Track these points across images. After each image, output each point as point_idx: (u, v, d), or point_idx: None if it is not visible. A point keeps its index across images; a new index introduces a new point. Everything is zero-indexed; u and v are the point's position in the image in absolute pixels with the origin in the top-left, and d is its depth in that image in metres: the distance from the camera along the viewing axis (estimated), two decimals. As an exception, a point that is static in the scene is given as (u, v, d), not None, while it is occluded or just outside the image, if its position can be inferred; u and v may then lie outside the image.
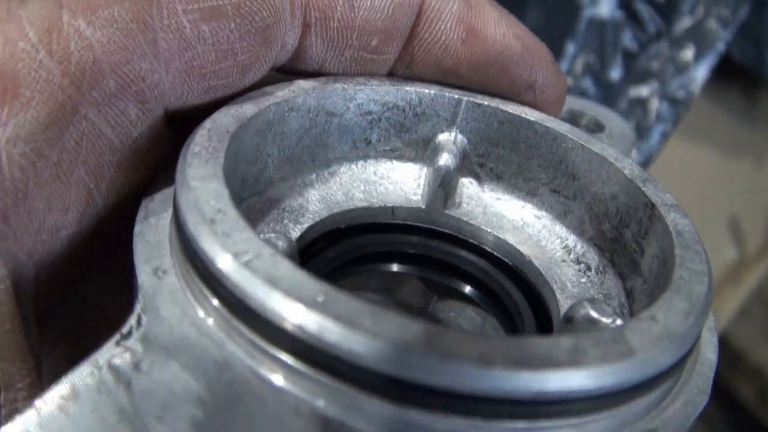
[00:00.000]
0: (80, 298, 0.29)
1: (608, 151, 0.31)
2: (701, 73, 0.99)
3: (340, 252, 0.34)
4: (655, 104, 0.99)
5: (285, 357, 0.20)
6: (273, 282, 0.20)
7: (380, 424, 0.20)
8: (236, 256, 0.21)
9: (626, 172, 0.30)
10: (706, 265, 0.25)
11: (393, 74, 0.34)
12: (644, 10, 0.98)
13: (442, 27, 0.32)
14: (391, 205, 0.34)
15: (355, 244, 0.34)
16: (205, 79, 0.27)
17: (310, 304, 0.19)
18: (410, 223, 0.35)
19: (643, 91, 0.99)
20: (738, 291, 1.51)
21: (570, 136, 0.32)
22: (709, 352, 0.25)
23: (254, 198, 0.31)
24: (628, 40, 0.99)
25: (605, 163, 0.31)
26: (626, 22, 0.99)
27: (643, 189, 0.29)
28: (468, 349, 0.19)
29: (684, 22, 0.99)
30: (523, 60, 0.33)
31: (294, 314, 0.19)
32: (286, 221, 0.31)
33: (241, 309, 0.20)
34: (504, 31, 0.32)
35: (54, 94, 0.23)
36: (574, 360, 0.19)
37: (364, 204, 0.34)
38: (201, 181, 0.23)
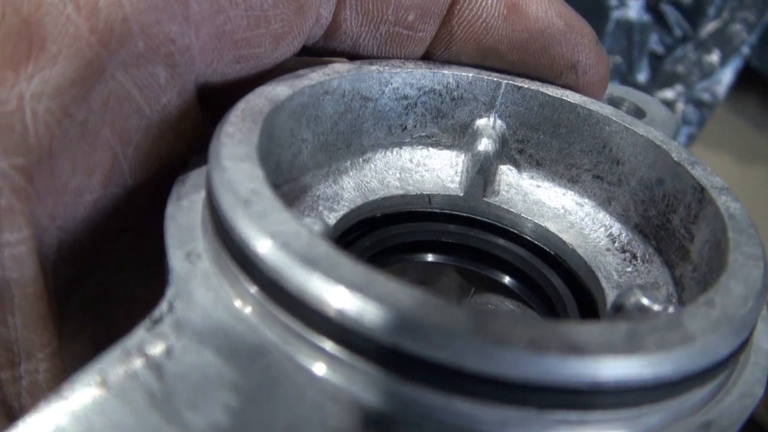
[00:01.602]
0: (104, 277, 0.28)
1: (654, 134, 0.30)
2: (726, 76, 0.99)
3: (376, 241, 0.32)
4: (680, 107, 0.99)
5: (324, 343, 0.19)
6: (312, 263, 0.19)
7: (424, 415, 0.18)
8: (273, 236, 0.19)
9: (673, 155, 0.29)
10: (761, 249, 0.23)
11: (430, 56, 0.33)
12: (671, 13, 0.99)
13: (483, 3, 0.30)
14: (427, 192, 0.33)
15: (391, 233, 0.33)
16: (236, 47, 0.26)
17: (351, 286, 0.18)
18: (448, 211, 0.34)
19: (669, 94, 0.99)
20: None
21: (614, 119, 0.31)
22: (764, 342, 0.24)
23: (288, 185, 0.30)
24: (654, 42, 0.99)
25: (651, 146, 0.30)
26: (653, 25, 0.99)
27: (691, 172, 0.28)
28: (519, 335, 0.17)
29: (710, 26, 0.99)
30: (565, 39, 0.31)
31: (334, 297, 0.18)
32: (320, 209, 0.30)
33: (278, 293, 0.19)
34: (546, 9, 0.31)
35: (81, 50, 0.22)
36: (630, 346, 0.18)
37: (400, 192, 0.33)
38: (234, 161, 0.22)
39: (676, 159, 0.28)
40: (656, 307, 0.24)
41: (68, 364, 0.24)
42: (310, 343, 0.19)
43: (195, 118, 0.27)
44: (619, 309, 0.25)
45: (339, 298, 0.18)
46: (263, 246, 0.19)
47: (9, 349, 0.22)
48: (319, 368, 0.19)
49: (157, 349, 0.19)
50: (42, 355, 0.23)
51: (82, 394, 0.18)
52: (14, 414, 0.23)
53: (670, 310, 0.25)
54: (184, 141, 0.27)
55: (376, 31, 0.30)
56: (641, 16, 0.99)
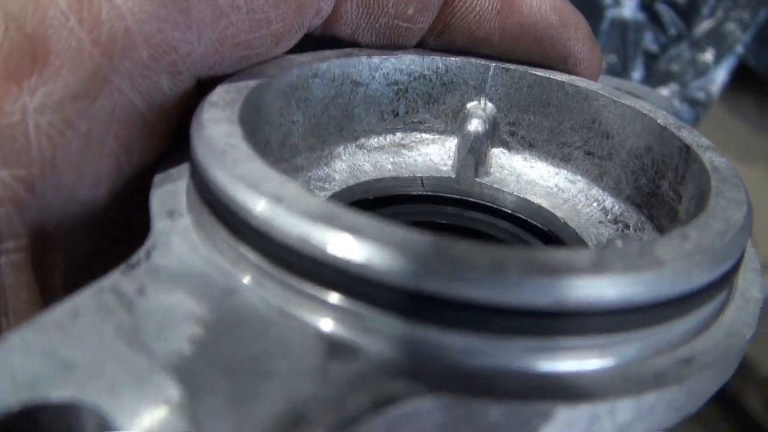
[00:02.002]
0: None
1: (641, 104, 0.30)
2: (720, 75, 0.99)
3: None
4: (675, 106, 0.99)
5: (289, 278, 0.19)
6: (277, 199, 0.19)
7: (389, 342, 0.18)
8: (242, 179, 0.20)
9: (659, 120, 0.29)
10: (745, 195, 0.23)
11: (423, 44, 0.33)
12: (665, 12, 0.99)
13: None
14: (420, 175, 0.34)
15: (383, 215, 0.33)
16: (238, 49, 0.26)
17: (313, 217, 0.18)
18: (441, 193, 0.34)
19: (663, 92, 1.00)
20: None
21: (601, 93, 0.31)
22: (754, 290, 0.24)
23: (279, 165, 0.30)
24: (649, 41, 0.99)
25: (638, 115, 0.30)
26: (648, 24, 0.99)
27: (677, 134, 0.28)
28: (479, 257, 0.17)
29: (704, 25, 1.00)
30: (557, 33, 0.32)
31: (297, 228, 0.18)
32: (312, 187, 0.31)
33: (247, 231, 0.20)
34: (541, 3, 0.31)
35: (84, 63, 0.22)
36: (596, 269, 0.18)
37: (393, 175, 0.33)
38: (215, 123, 0.23)
39: (662, 124, 0.29)
40: None
41: None
42: (278, 280, 0.19)
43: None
44: None
45: (301, 228, 0.18)
46: (235, 189, 0.20)
47: None
48: (286, 302, 0.19)
49: (130, 287, 0.20)
50: None
51: (54, 323, 0.19)
52: None
53: None
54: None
55: (375, 23, 0.31)
56: (636, 14, 0.99)
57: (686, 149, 0.27)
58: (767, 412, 1.52)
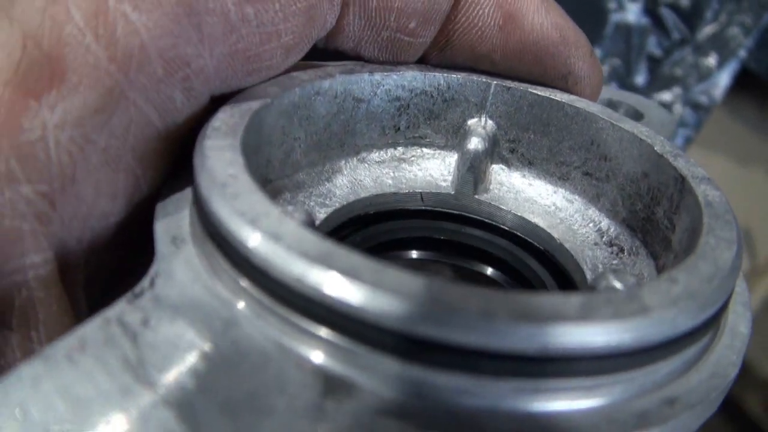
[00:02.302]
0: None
1: (639, 129, 0.30)
2: (723, 79, 0.99)
3: (367, 237, 0.33)
4: (678, 110, 1.00)
5: (287, 313, 0.20)
6: (275, 237, 0.20)
7: (383, 380, 0.19)
8: (242, 215, 0.20)
9: (657, 147, 0.29)
10: (736, 233, 0.23)
11: (425, 59, 0.33)
12: (669, 17, 0.99)
13: (480, 12, 0.31)
14: (420, 191, 0.34)
15: (382, 230, 0.33)
16: (249, 62, 0.27)
17: (310, 257, 0.19)
18: (439, 209, 0.34)
19: (666, 96, 1.00)
20: (748, 302, 1.50)
21: (600, 115, 0.31)
22: (741, 326, 0.24)
23: (281, 181, 0.31)
24: (652, 45, 1.00)
25: (636, 140, 0.30)
26: (651, 28, 1.00)
27: (673, 163, 0.28)
28: (471, 302, 0.18)
29: (707, 29, 1.00)
30: (558, 51, 0.32)
31: (294, 268, 0.19)
32: (312, 204, 0.31)
33: (246, 265, 0.20)
34: (543, 20, 0.31)
35: (101, 79, 0.23)
36: (582, 315, 0.18)
37: (393, 190, 0.33)
38: (217, 150, 0.23)
39: (659, 151, 0.29)
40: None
41: None
42: (277, 314, 0.20)
43: None
44: (591, 291, 0.25)
45: (299, 268, 0.19)
46: (234, 224, 0.20)
47: None
48: (284, 336, 0.20)
49: (134, 318, 0.20)
50: None
51: (61, 354, 0.19)
52: None
53: None
54: None
55: (377, 36, 0.31)
56: (640, 19, 1.00)
57: (681, 180, 0.27)
58: (765, 412, 1.52)
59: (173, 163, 0.27)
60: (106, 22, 0.23)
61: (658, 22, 1.00)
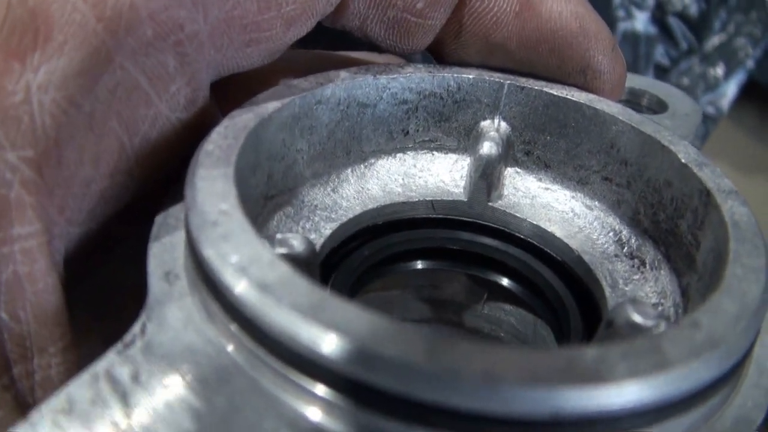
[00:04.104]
0: (111, 272, 0.28)
1: (662, 134, 0.28)
2: (731, 89, 0.99)
3: (377, 249, 0.31)
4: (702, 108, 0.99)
5: (279, 366, 0.18)
6: (264, 287, 0.18)
7: None
8: (232, 259, 0.19)
9: (681, 155, 0.27)
10: (765, 260, 0.22)
11: (441, 48, 0.32)
12: (677, 26, 0.99)
13: None
14: (431, 198, 0.32)
15: (392, 241, 0.32)
16: (246, 31, 0.25)
17: (300, 311, 0.17)
18: (452, 217, 0.33)
19: (673, 105, 1.00)
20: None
21: (620, 117, 0.29)
22: None
23: (284, 196, 0.29)
24: (660, 55, 0.99)
25: (658, 146, 0.28)
26: (659, 38, 0.99)
27: (698, 174, 0.26)
28: (472, 364, 0.16)
29: (715, 40, 1.00)
30: (577, 41, 0.30)
31: (283, 322, 0.18)
32: (317, 219, 0.29)
33: (237, 315, 0.19)
34: (562, 8, 0.30)
35: (88, 39, 0.21)
36: (597, 374, 0.17)
37: (402, 199, 0.32)
38: (208, 180, 0.22)
39: (683, 160, 0.27)
40: (647, 324, 0.23)
41: (84, 358, 0.23)
42: (270, 367, 0.19)
43: (205, 107, 0.27)
44: (610, 325, 0.24)
45: (290, 323, 0.18)
46: (222, 269, 0.19)
47: (21, 344, 0.22)
48: (277, 390, 0.19)
49: (124, 373, 0.19)
50: (54, 350, 0.23)
51: (48, 419, 0.18)
52: (29, 409, 0.23)
53: (662, 326, 0.23)
54: (194, 131, 0.26)
55: (383, 15, 0.29)
56: (647, 28, 0.99)
57: (707, 193, 0.25)
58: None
59: (163, 130, 0.26)
60: None
61: (665, 31, 0.99)
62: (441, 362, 0.16)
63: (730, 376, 0.20)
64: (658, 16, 0.99)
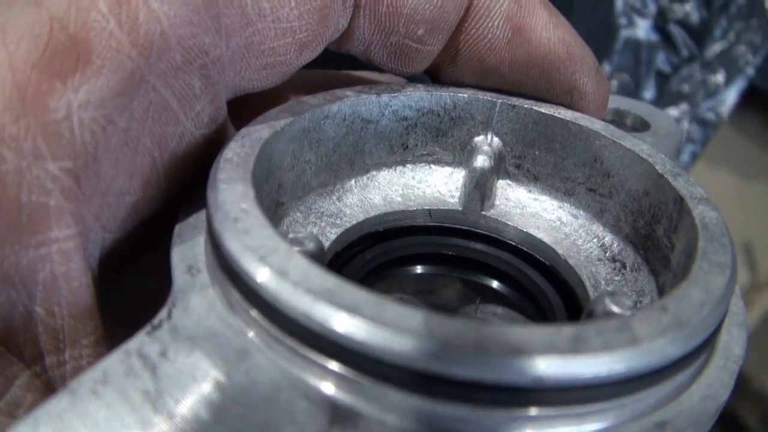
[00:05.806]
0: (139, 279, 0.30)
1: (640, 147, 0.30)
2: (731, 96, 0.99)
3: (378, 254, 0.33)
4: (685, 126, 1.00)
5: (296, 345, 0.20)
6: (283, 274, 0.20)
7: (386, 410, 0.20)
8: (253, 250, 0.21)
9: (657, 167, 0.29)
10: (731, 257, 0.24)
11: (437, 71, 0.34)
12: (678, 34, 0.99)
13: (490, 24, 0.31)
14: (428, 207, 0.34)
15: (392, 247, 0.34)
16: (263, 56, 0.27)
17: (316, 294, 0.20)
18: (448, 224, 0.35)
19: (674, 112, 1.00)
20: (748, 316, 1.50)
21: (603, 133, 0.31)
22: (735, 347, 0.24)
23: (293, 203, 0.31)
24: (661, 62, 1.00)
25: (637, 158, 0.30)
26: (660, 45, 1.00)
27: (673, 183, 0.28)
28: (466, 338, 0.19)
29: (715, 47, 1.00)
30: (564, 65, 0.32)
31: (300, 303, 0.20)
32: (323, 224, 0.31)
33: (256, 300, 0.21)
34: (550, 35, 0.32)
35: (123, 63, 0.23)
36: (574, 347, 0.19)
37: (402, 208, 0.34)
38: (229, 183, 0.24)
39: (660, 171, 0.29)
40: (624, 313, 0.25)
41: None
42: (286, 345, 0.21)
43: (223, 124, 0.28)
44: (590, 315, 0.26)
45: (305, 304, 0.20)
46: (243, 258, 0.21)
47: (55, 336, 0.24)
48: (293, 367, 0.21)
49: (153, 350, 0.21)
50: (86, 342, 0.25)
51: (86, 388, 0.20)
52: None
53: None
54: (213, 146, 0.28)
55: (386, 41, 0.31)
56: (649, 35, 1.00)
57: (680, 200, 0.27)
58: (765, 426, 1.52)
59: (192, 155, 0.28)
60: (129, 9, 0.23)
61: (667, 38, 1.00)
62: (438, 336, 0.19)
63: (696, 355, 0.22)
64: (660, 24, 1.00)
